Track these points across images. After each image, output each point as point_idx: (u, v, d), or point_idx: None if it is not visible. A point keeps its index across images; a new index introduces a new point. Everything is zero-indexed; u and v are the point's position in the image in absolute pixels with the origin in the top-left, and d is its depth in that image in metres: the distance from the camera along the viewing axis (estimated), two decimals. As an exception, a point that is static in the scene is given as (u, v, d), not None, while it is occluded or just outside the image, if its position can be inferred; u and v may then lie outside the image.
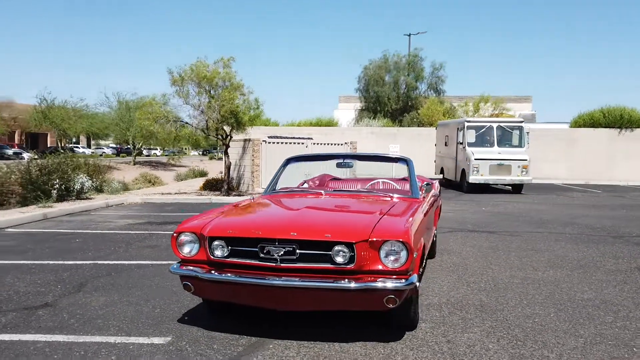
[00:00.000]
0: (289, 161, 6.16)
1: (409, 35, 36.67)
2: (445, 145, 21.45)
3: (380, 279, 3.78)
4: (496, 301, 5.18)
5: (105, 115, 34.84)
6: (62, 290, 5.44)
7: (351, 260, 3.77)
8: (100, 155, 46.27)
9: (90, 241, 8.24)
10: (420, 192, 5.59)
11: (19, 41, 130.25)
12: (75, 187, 14.23)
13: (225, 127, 15.44)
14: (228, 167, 15.97)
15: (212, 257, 4.01)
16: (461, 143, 18.87)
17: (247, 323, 4.43)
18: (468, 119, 19.51)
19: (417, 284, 4.27)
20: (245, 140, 18.13)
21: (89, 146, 59.11)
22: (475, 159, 17.89)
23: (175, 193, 16.63)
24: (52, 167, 14.03)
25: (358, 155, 6.40)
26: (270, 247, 3.84)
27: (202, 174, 26.50)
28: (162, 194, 16.37)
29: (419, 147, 25.61)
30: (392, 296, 3.77)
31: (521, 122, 19.04)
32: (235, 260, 3.97)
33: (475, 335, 4.23)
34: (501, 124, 18.83)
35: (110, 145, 63.67)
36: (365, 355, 3.81)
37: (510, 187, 18.76)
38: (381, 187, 5.96)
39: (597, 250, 7.78)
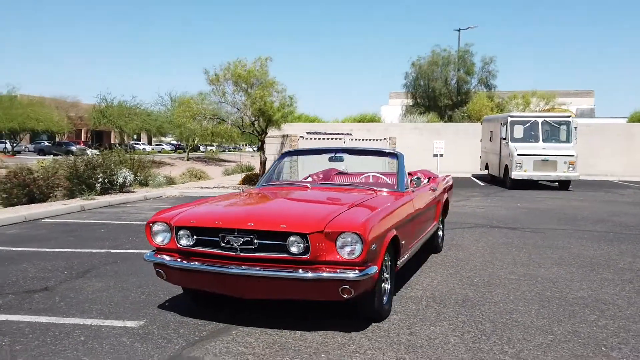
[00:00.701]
0: (284, 155, 6.27)
1: (459, 30, 35.86)
2: (490, 140, 20.92)
3: (336, 270, 3.83)
4: (481, 296, 5.08)
5: (160, 114, 36.14)
6: (65, 276, 5.79)
7: (306, 250, 3.83)
8: (159, 151, 48.04)
9: (113, 231, 8.67)
10: (410, 186, 5.55)
11: (81, 42, 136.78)
12: (118, 181, 14.93)
13: (261, 124, 15.74)
14: (263, 163, 16.28)
15: (179, 245, 4.18)
16: (504, 138, 18.35)
17: (220, 310, 4.58)
18: (512, 114, 18.96)
19: (390, 276, 4.30)
20: (283, 136, 18.40)
21: (149, 143, 61.42)
22: (518, 155, 17.36)
23: (214, 187, 17.09)
24: (96, 162, 14.79)
25: (350, 149, 6.44)
26: (230, 236, 3.96)
27: (249, 169, 27.05)
28: (202, 187, 16.89)
29: (465, 143, 25.10)
30: (347, 287, 3.81)
31: (568, 116, 18.31)
32: (200, 249, 4.12)
33: (441, 329, 4.18)
34: (547, 119, 18.15)
35: (172, 142, 65.93)
36: (321, 343, 3.86)
37: (557, 184, 18.08)
38: (371, 181, 5.95)
39: (617, 249, 7.43)
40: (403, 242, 4.82)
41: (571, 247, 7.56)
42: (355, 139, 19.49)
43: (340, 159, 6.12)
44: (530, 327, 4.23)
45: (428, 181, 6.75)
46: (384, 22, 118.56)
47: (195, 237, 4.13)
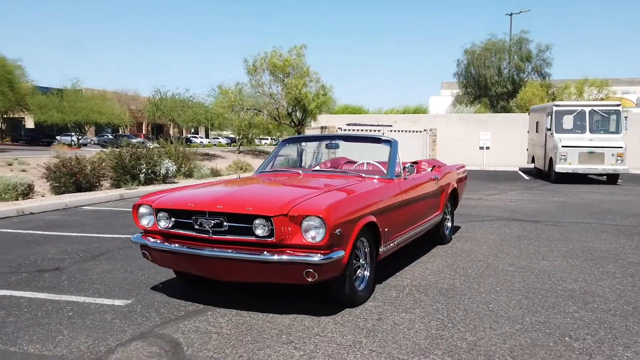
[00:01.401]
0: (284, 142, 6.44)
1: (511, 14, 34.65)
2: (537, 132, 20.26)
3: (300, 253, 3.96)
4: (468, 287, 5.08)
5: (211, 106, 37.05)
6: (80, 258, 6.21)
7: (271, 233, 3.98)
8: (214, 144, 49.33)
9: (140, 219, 9.12)
10: (403, 174, 5.59)
11: (138, 36, 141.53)
12: (161, 172, 15.58)
13: (297, 114, 15.98)
14: (300, 154, 16.47)
15: (159, 228, 4.44)
16: (549, 129, 17.74)
17: (206, 293, 4.81)
18: (557, 103, 18.27)
19: (368, 262, 4.38)
20: (321, 127, 18.57)
21: (207, 136, 63.07)
22: (562, 147, 16.74)
23: (253, 178, 17.48)
24: (140, 153, 15.48)
25: (345, 136, 6.53)
26: (202, 219, 4.18)
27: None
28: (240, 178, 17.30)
29: (513, 135, 24.40)
30: (311, 270, 3.94)
31: (617, 105, 17.45)
32: (177, 231, 4.36)
33: (411, 316, 4.24)
34: (594, 108, 17.38)
35: (230, 135, 67.44)
36: (288, 326, 4.02)
37: (605, 177, 17.33)
38: (365, 168, 6.02)
39: (634, 243, 7.15)
40: (386, 229, 4.89)
41: (587, 240, 7.34)
42: (396, 130, 19.41)
43: (336, 146, 6.23)
44: (501, 317, 4.22)
45: (432, 170, 6.73)
46: (434, 9, 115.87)
47: (173, 219, 4.37)
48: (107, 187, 14.33)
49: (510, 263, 6.02)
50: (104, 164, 14.77)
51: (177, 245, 4.35)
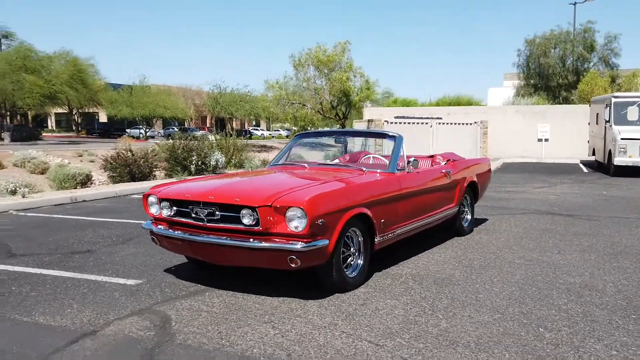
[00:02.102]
0: (298, 137, 6.68)
1: (574, 3, 33.10)
2: (597, 123, 19.42)
3: (284, 241, 4.20)
4: (465, 277, 5.13)
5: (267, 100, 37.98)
6: (112, 241, 6.73)
7: (257, 222, 4.24)
8: (273, 137, 50.35)
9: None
10: (407, 168, 5.69)
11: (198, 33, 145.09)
12: (211, 163, 16.25)
13: (341, 107, 16.17)
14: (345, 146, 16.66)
15: (164, 215, 4.80)
16: (608, 121, 16.99)
17: (210, 276, 5.14)
18: (616, 94, 17.47)
19: (355, 250, 4.55)
20: (368, 120, 18.67)
21: (268, 128, 64.38)
22: (621, 139, 16.00)
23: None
24: (192, 145, 16.21)
25: (352, 132, 6.70)
26: (197, 208, 4.50)
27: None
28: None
29: (573, 127, 23.45)
30: (294, 257, 4.17)
31: (681, 95, 16.44)
32: (178, 219, 4.71)
33: (395, 303, 4.38)
34: (656, 99, 16.46)
35: (293, 127, 68.64)
36: (274, 307, 4.27)
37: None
38: (371, 162, 6.14)
39: (667, 239, 6.89)
40: (382, 220, 5.03)
41: (615, 235, 7.13)
42: (444, 123, 19.21)
43: (344, 141, 6.41)
44: (485, 306, 4.29)
45: (445, 164, 6.77)
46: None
47: (174, 208, 4.72)
48: (160, 177, 15.11)
49: (521, 256, 5.99)
50: (156, 155, 15.59)
51: (178, 232, 4.69)
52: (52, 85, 35.40)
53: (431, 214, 6.14)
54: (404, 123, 18.68)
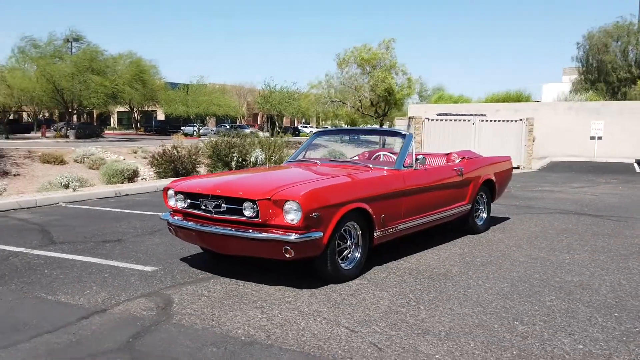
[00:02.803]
0: (317, 135, 6.98)
1: (638, -5, 31.58)
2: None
3: (280, 232, 4.52)
4: (462, 273, 5.28)
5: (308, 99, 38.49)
6: (141, 232, 7.25)
7: (257, 214, 4.58)
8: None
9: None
10: (415, 165, 5.88)
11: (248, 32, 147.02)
12: (251, 160, 16.79)
13: (380, 105, 16.33)
14: (382, 144, 16.82)
15: (179, 207, 5.22)
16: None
17: (220, 266, 5.52)
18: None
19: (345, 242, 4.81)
20: (409, 118, 18.72)
21: (317, 125, 64.94)
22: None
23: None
24: (234, 142, 16.81)
25: (363, 130, 6.94)
26: (206, 201, 4.89)
27: (394, 151, 27.67)
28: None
29: (630, 124, 22.58)
30: (288, 247, 4.49)
31: None
32: (191, 210, 5.11)
33: (384, 294, 4.61)
34: None
35: (342, 124, 68.98)
36: (269, 295, 4.59)
37: None
38: (382, 160, 6.35)
39: (688, 241, 6.74)
40: (382, 215, 5.27)
41: (636, 237, 7.05)
42: (488, 120, 18.99)
43: (357, 139, 6.66)
44: (469, 300, 4.45)
45: (460, 162, 6.89)
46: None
47: (188, 200, 5.13)
48: (202, 174, 15.78)
49: (527, 254, 6.06)
50: (199, 152, 16.28)
51: (191, 222, 5.10)
52: (116, 85, 37.27)
53: (439, 210, 6.30)
54: (445, 120, 18.60)
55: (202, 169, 16.17)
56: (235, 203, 4.72)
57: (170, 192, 5.40)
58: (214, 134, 53.20)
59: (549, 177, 16.36)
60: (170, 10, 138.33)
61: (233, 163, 16.18)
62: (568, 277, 5.17)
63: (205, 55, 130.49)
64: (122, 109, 55.18)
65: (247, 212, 4.63)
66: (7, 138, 36.41)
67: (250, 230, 4.62)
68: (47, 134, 41.35)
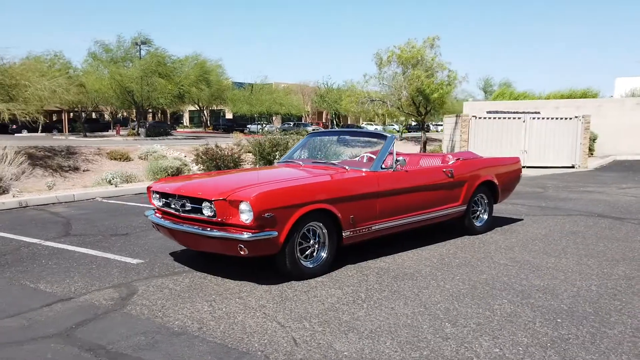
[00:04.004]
0: (310, 136, 7.12)
1: None
2: None
3: (235, 231, 4.74)
4: (430, 274, 5.27)
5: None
6: (150, 227, 7.69)
7: (215, 214, 4.82)
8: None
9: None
10: (394, 166, 5.91)
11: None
12: (293, 157, 17.15)
13: (421, 103, 16.15)
14: (424, 143, 16.62)
15: (157, 206, 5.57)
16: None
17: (201, 261, 5.81)
18: None
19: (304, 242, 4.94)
20: (457, 116, 18.34)
21: (384, 123, 64.49)
22: None
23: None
24: (277, 140, 17.23)
25: (351, 131, 7.03)
26: (174, 200, 5.19)
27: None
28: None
29: None
30: (242, 245, 4.70)
31: None
32: (165, 209, 5.44)
33: (337, 292, 4.71)
34: None
35: (412, 122, 68.08)
36: (227, 289, 4.82)
37: None
38: (364, 161, 6.39)
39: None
40: (351, 216, 5.36)
41: (644, 241, 6.69)
42: (540, 118, 18.30)
43: (342, 140, 6.75)
44: (417, 301, 4.47)
45: (454, 163, 6.81)
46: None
47: (162, 200, 5.46)
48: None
49: (512, 257, 5.93)
50: (241, 150, 16.81)
51: (166, 220, 5.43)
52: (181, 86, 38.99)
53: (425, 211, 6.27)
54: (494, 118, 18.06)
55: (246, 166, 16.70)
56: (197, 203, 4.99)
57: (152, 191, 5.75)
58: (279, 130, 54.63)
59: (601, 177, 15.56)
60: (240, 13, 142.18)
61: (275, 161, 16.61)
62: (537, 281, 5.04)
63: (271, 54, 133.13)
64: (192, 108, 57.48)
65: (206, 212, 4.88)
66: (85, 136, 38.99)
67: (209, 229, 4.87)
68: (121, 132, 43.88)
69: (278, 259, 4.94)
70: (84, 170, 23.16)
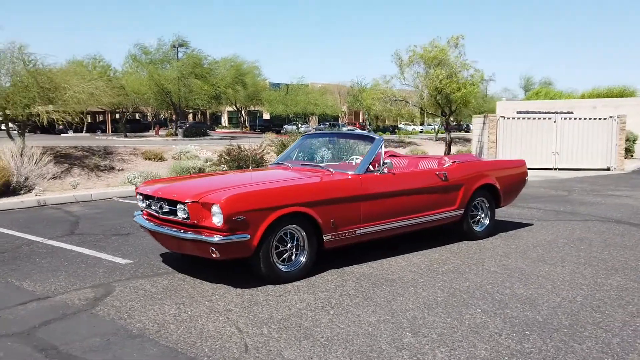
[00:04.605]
0: (304, 138, 7.06)
1: None
2: None
3: (207, 234, 4.74)
4: (411, 280, 5.13)
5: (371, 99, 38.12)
6: (152, 227, 7.81)
7: (188, 216, 4.83)
8: (420, 131, 50.11)
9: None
10: (381, 169, 5.79)
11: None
12: (316, 158, 17.14)
13: (443, 103, 15.85)
14: (448, 143, 16.29)
15: (140, 207, 5.62)
16: None
17: (188, 263, 5.84)
18: None
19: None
20: (484, 116, 17.90)
21: (422, 124, 63.82)
22: None
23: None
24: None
25: (339, 133, 6.93)
26: (153, 202, 5.23)
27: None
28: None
29: None
30: (214, 248, 4.69)
31: None
32: (148, 210, 5.49)
33: (308, 297, 4.63)
34: None
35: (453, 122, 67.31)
36: (200, 292, 4.81)
37: None
38: (353, 164, 6.26)
39: None
40: (332, 220, 5.28)
41: (653, 249, 6.33)
42: (572, 118, 17.68)
43: (334, 142, 6.66)
44: (386, 308, 4.35)
45: (450, 166, 6.62)
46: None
47: (145, 201, 5.52)
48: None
49: (504, 265, 5.72)
50: (264, 150, 16.92)
51: (149, 222, 5.48)
52: (217, 87, 39.57)
53: (416, 215, 6.12)
54: (523, 119, 17.53)
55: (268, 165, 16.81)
56: (172, 205, 5.01)
57: (137, 192, 5.82)
58: (314, 131, 54.78)
59: (634, 180, 14.90)
60: (284, 15, 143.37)
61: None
62: (521, 290, 4.83)
63: (308, 54, 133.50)
64: (230, 108, 58.28)
65: (180, 214, 4.89)
66: (125, 136, 40.05)
67: (182, 231, 4.89)
68: (160, 133, 44.88)
69: (252, 262, 4.91)
70: (118, 170, 23.74)
